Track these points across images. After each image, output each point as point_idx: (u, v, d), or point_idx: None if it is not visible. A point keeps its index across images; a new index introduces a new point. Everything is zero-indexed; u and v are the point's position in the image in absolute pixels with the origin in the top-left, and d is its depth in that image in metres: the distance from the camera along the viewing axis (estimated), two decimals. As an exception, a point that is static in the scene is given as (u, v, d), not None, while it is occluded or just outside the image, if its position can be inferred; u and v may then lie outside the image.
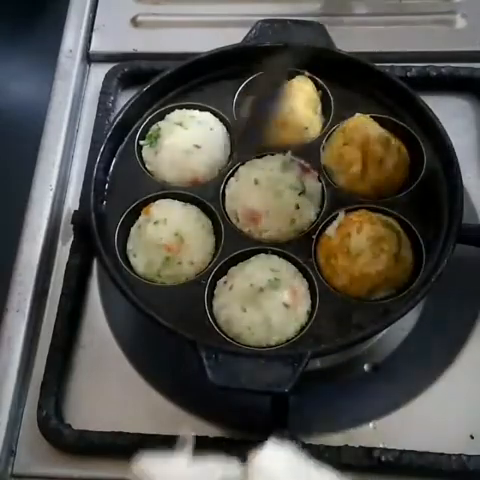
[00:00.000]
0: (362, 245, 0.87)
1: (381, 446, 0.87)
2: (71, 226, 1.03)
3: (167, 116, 1.00)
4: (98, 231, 0.89)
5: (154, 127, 0.99)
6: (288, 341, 0.84)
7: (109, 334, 0.98)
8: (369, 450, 0.86)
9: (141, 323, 0.90)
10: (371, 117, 0.96)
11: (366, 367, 0.95)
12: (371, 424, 0.90)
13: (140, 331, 0.98)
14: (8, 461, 0.91)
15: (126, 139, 0.99)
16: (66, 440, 0.89)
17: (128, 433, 0.89)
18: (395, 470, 0.86)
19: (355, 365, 0.95)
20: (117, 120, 0.97)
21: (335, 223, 0.90)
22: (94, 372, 0.96)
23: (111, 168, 0.97)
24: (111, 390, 0.95)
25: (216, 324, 0.86)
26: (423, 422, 0.90)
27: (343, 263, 0.86)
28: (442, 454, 0.86)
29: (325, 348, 0.83)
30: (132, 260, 0.91)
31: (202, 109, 1.00)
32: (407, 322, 0.96)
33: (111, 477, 0.89)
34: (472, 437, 0.89)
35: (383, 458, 0.85)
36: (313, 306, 0.86)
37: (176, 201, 0.93)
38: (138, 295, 0.86)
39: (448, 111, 1.04)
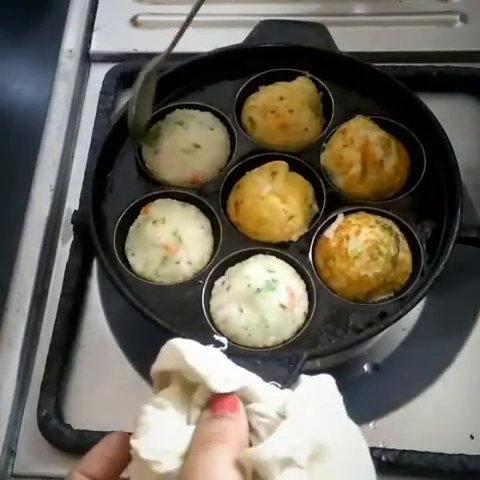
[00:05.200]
0: (360, 248, 0.86)
1: (381, 446, 0.87)
2: (71, 226, 1.03)
3: (167, 115, 1.00)
4: (96, 229, 0.89)
5: (154, 126, 0.99)
6: (284, 342, 0.84)
7: (109, 334, 0.98)
8: (369, 450, 0.86)
9: (141, 323, 0.90)
10: (371, 119, 0.96)
11: (366, 367, 0.95)
12: (371, 424, 0.90)
13: (140, 331, 0.98)
14: (8, 461, 0.91)
15: (126, 138, 0.98)
16: (66, 440, 0.89)
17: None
18: (395, 470, 0.86)
19: (355, 365, 0.95)
20: (117, 119, 0.97)
21: (334, 225, 0.89)
22: (94, 372, 0.96)
23: (111, 167, 0.97)
24: (111, 390, 0.95)
25: (213, 324, 0.85)
26: (423, 422, 0.90)
27: (341, 265, 0.86)
28: (442, 454, 0.86)
29: (321, 350, 0.83)
30: (130, 259, 0.91)
31: (202, 109, 1.00)
32: (407, 322, 0.96)
33: (111, 477, 0.89)
34: (472, 437, 0.89)
35: (383, 458, 0.85)
36: (310, 308, 0.86)
37: (175, 201, 0.93)
38: (135, 294, 0.86)
39: (448, 111, 1.03)
